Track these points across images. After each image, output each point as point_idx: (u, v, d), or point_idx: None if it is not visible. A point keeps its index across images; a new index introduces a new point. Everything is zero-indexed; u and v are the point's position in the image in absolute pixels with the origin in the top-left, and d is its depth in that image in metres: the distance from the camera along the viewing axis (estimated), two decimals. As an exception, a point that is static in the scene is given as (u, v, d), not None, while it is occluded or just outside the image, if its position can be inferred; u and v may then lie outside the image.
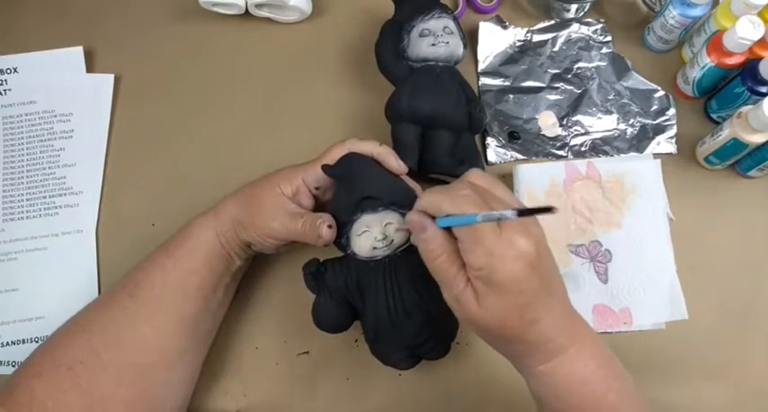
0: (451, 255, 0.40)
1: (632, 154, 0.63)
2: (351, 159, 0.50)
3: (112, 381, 0.47)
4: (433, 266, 0.41)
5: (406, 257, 0.48)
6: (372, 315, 0.49)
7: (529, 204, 0.60)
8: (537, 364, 0.42)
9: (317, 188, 0.52)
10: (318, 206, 0.53)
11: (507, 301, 0.39)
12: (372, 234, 0.47)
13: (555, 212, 0.35)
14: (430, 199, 0.42)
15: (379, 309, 0.48)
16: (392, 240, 0.48)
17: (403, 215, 0.47)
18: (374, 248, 0.48)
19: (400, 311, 0.48)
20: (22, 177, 0.63)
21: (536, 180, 0.61)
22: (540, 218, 0.59)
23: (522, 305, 0.39)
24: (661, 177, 0.61)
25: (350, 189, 0.49)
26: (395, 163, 0.51)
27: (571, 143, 0.63)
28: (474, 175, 0.43)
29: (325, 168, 0.50)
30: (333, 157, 0.51)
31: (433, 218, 0.42)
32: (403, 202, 0.48)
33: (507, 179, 0.62)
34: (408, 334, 0.49)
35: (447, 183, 0.59)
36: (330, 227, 0.47)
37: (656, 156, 0.62)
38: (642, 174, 0.61)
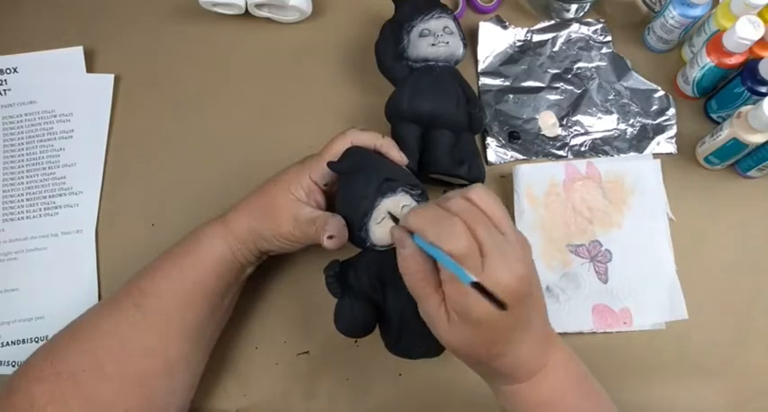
0: (428, 275, 0.40)
1: (632, 154, 0.63)
2: (356, 153, 0.50)
3: (115, 390, 0.46)
4: (408, 282, 0.41)
5: None
6: (396, 306, 0.48)
7: (529, 205, 0.60)
8: (501, 385, 0.43)
9: (325, 185, 0.51)
10: (329, 198, 0.52)
11: (478, 335, 0.38)
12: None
13: (504, 309, 0.36)
14: (415, 220, 0.39)
15: (403, 298, 0.47)
16: None
17: (413, 197, 0.48)
18: None
19: None
20: (22, 177, 0.63)
21: (536, 180, 0.61)
22: (541, 217, 0.60)
23: (492, 340, 0.39)
24: (661, 177, 0.61)
25: (363, 179, 0.48)
26: (397, 154, 0.51)
27: (571, 143, 0.63)
28: (475, 193, 0.40)
29: (331, 165, 0.49)
30: (335, 150, 0.50)
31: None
32: (415, 185, 0.48)
33: (507, 179, 0.62)
34: None
35: (447, 182, 0.60)
36: (330, 238, 0.46)
37: (656, 156, 0.62)
38: (642, 174, 0.61)
